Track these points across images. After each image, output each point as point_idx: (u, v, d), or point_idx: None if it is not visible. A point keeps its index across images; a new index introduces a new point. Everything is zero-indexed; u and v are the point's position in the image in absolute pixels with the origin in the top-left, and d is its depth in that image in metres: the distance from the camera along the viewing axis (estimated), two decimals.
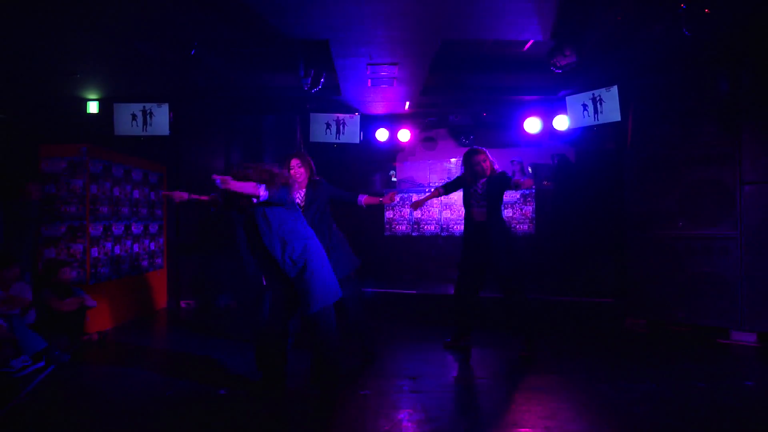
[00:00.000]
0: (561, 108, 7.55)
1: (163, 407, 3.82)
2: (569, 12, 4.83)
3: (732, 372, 4.60)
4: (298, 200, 4.51)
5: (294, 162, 4.56)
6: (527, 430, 3.33)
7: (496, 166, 5.19)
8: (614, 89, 6.71)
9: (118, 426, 3.51)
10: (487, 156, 5.17)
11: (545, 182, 8.64)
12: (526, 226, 8.67)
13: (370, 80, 6.55)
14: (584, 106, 7.11)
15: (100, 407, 3.86)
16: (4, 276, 4.91)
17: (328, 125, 8.21)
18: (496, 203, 5.11)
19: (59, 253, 5.96)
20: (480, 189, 5.13)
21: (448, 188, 5.41)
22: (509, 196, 8.36)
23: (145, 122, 7.59)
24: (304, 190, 4.62)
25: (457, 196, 9.20)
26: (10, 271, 4.96)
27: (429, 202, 9.12)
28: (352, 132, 8.25)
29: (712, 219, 5.68)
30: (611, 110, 6.76)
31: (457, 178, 5.36)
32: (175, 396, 4.00)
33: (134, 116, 7.55)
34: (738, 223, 5.50)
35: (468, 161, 5.20)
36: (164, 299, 7.81)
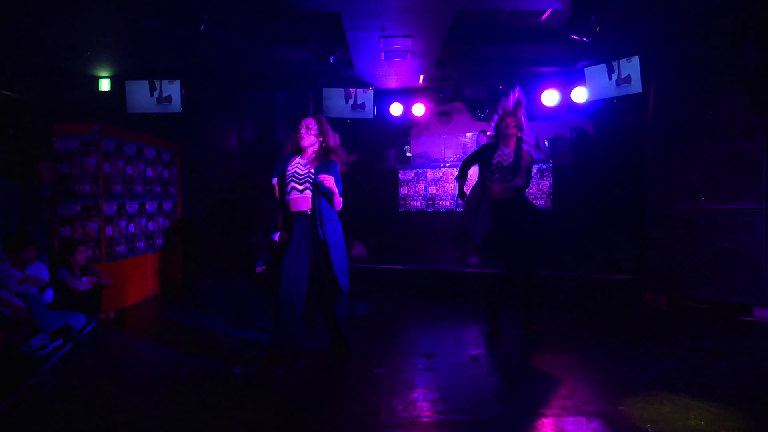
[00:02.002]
0: (580, 80, 7.36)
1: (178, 385, 3.84)
2: None
3: (754, 350, 4.50)
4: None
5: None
6: (544, 410, 3.28)
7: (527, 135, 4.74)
8: (635, 59, 6.50)
9: (133, 404, 3.52)
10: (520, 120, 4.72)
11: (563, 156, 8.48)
12: (543, 201, 8.54)
13: (383, 53, 6.41)
14: (604, 77, 6.91)
15: (116, 385, 3.88)
16: (22, 257, 4.94)
17: (342, 100, 8.11)
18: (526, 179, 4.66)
19: (74, 232, 5.99)
20: (506, 160, 4.70)
21: (468, 166, 5.09)
22: None
23: (158, 99, 7.56)
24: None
25: (473, 171, 9.09)
26: (27, 253, 4.99)
27: (444, 177, 9.10)
28: (365, 107, 8.15)
29: (736, 193, 5.51)
30: (632, 81, 6.56)
31: (481, 147, 5.01)
32: (190, 374, 4.01)
33: (149, 92, 7.51)
34: (764, 197, 5.33)
35: (498, 124, 4.80)
36: (180, 277, 7.85)
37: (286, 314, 3.87)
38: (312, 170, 3.92)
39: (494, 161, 4.76)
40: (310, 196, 3.90)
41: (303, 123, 4.02)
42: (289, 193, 3.95)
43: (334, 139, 4.03)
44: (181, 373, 4.05)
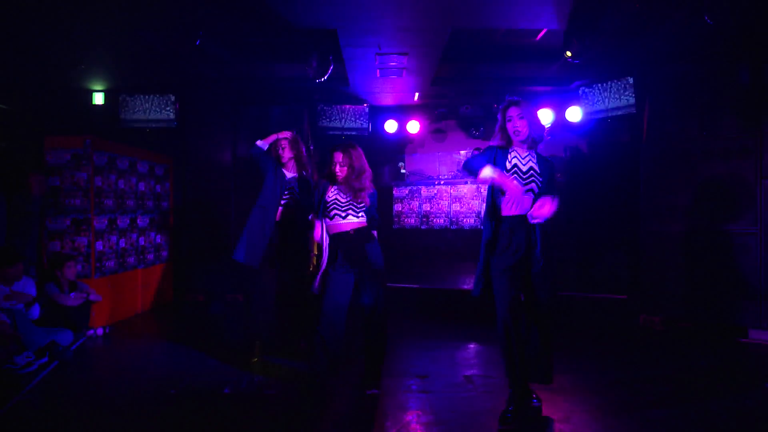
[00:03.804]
0: (574, 99, 7.39)
1: (166, 406, 3.74)
2: None
3: (751, 373, 4.46)
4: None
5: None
6: None
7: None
8: (630, 80, 6.53)
9: (119, 425, 3.43)
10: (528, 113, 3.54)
11: (557, 175, 8.47)
12: None
13: (378, 70, 6.41)
14: (598, 97, 6.94)
15: (101, 405, 3.78)
16: (8, 273, 4.84)
17: (337, 116, 8.11)
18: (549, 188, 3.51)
19: (64, 246, 5.89)
20: (523, 164, 3.50)
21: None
22: None
23: (152, 113, 7.52)
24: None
25: (467, 189, 9.09)
26: (14, 269, 4.88)
27: (438, 194, 9.09)
28: (360, 123, 8.14)
29: (731, 214, 5.50)
30: (626, 102, 6.58)
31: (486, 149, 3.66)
32: (178, 394, 3.92)
33: (143, 105, 7.48)
34: (758, 218, 5.33)
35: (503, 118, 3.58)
36: (170, 293, 7.74)
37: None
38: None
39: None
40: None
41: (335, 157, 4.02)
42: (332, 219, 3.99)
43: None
44: (169, 392, 3.96)
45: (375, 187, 4.13)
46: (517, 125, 3.49)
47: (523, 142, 3.52)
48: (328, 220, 3.98)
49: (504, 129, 3.54)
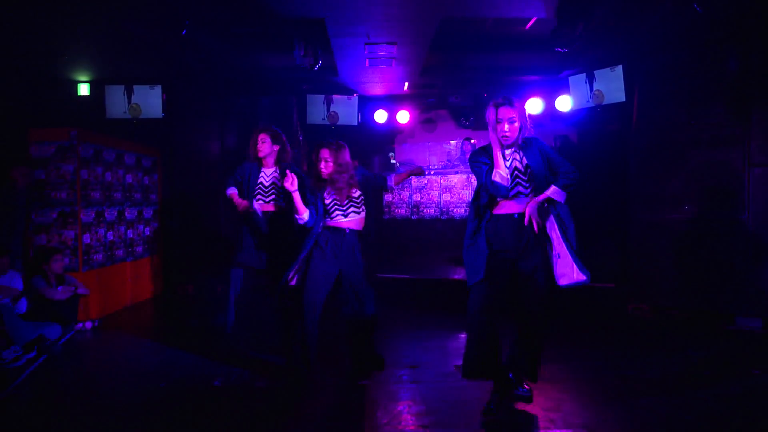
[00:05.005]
0: (564, 88, 7.37)
1: (156, 400, 3.72)
2: None
3: (738, 360, 4.50)
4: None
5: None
6: (530, 423, 3.24)
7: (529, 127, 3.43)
8: (619, 69, 6.52)
9: (108, 421, 3.41)
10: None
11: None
12: None
13: (368, 60, 6.36)
14: (588, 86, 6.93)
15: (91, 400, 3.76)
16: None
17: (326, 107, 8.05)
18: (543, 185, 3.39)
19: (50, 240, 5.83)
20: (520, 161, 3.39)
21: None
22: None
23: (139, 104, 7.41)
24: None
25: (458, 179, 9.09)
26: None
27: (429, 184, 9.09)
28: (349, 113, 8.09)
29: (719, 202, 5.54)
30: (616, 90, 6.58)
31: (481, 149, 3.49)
32: (168, 388, 3.90)
33: (129, 97, 7.37)
34: (746, 206, 5.37)
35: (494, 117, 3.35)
36: (160, 285, 7.70)
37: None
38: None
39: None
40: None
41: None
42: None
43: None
44: (159, 386, 3.94)
45: (360, 165, 4.14)
46: (506, 131, 3.28)
47: (510, 146, 3.36)
48: (329, 219, 3.99)
49: (495, 130, 3.31)
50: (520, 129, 3.32)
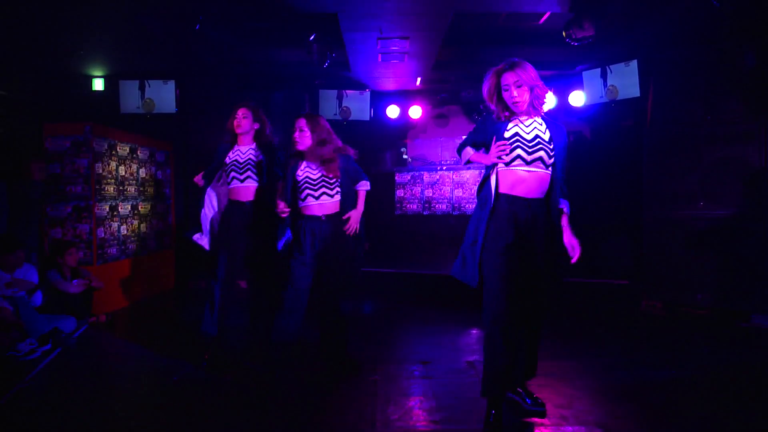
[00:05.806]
0: (577, 83, 7.31)
1: (169, 393, 3.75)
2: None
3: (753, 358, 4.45)
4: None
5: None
6: (542, 420, 3.22)
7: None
8: (634, 64, 6.46)
9: (121, 412, 3.44)
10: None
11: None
12: None
13: (380, 55, 6.35)
14: (602, 81, 6.87)
15: (104, 392, 3.80)
16: (8, 260, 4.84)
17: (338, 101, 8.05)
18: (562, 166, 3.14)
19: (65, 233, 5.89)
20: (544, 133, 3.08)
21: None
22: None
23: (153, 99, 7.45)
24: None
25: (470, 174, 9.05)
26: (15, 255, 4.88)
27: (441, 180, 9.05)
28: (362, 109, 8.09)
29: (735, 199, 5.47)
30: (630, 86, 6.53)
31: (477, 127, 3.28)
32: (181, 381, 3.93)
33: (143, 92, 7.41)
34: (763, 203, 5.29)
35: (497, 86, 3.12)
36: (173, 279, 7.76)
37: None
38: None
39: None
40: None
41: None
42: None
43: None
44: (172, 380, 3.97)
45: (349, 152, 3.94)
46: (514, 95, 3.01)
47: (524, 112, 3.06)
48: (300, 201, 3.83)
49: (501, 100, 3.06)
50: (531, 90, 3.02)
